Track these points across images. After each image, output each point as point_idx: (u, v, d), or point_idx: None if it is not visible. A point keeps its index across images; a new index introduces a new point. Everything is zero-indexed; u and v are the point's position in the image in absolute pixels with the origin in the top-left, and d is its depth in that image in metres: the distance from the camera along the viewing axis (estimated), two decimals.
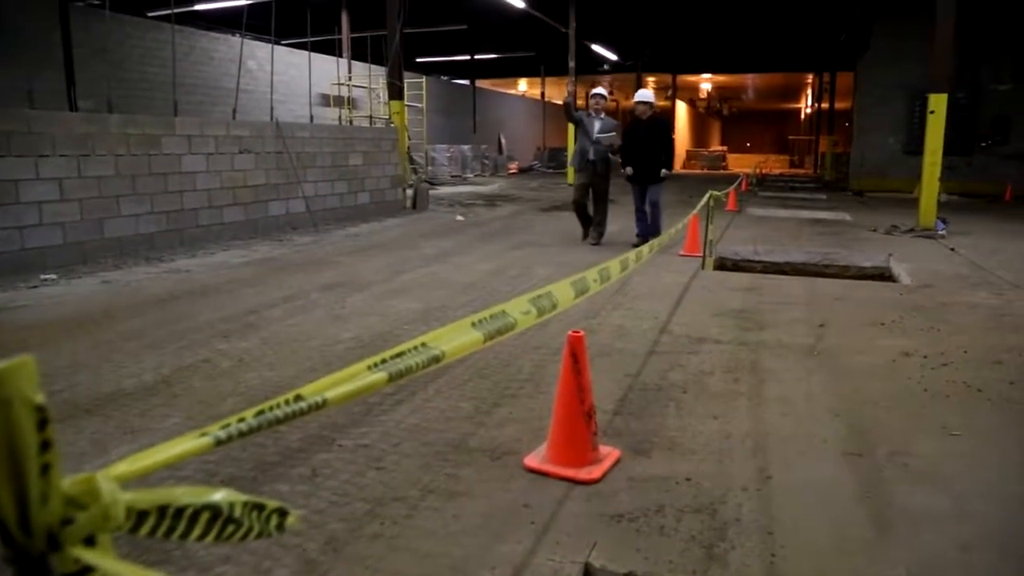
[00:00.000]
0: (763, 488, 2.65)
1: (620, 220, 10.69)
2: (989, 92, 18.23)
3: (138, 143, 7.86)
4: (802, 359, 4.28)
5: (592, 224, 9.13)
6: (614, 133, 8.78)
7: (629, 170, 8.80)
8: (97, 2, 17.00)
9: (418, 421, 3.25)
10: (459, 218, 12.13)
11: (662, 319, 5.21)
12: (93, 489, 0.71)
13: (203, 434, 1.00)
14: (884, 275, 7.84)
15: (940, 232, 10.17)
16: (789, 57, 30.68)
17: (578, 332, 2.68)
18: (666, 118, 9.02)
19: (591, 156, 8.74)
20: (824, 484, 2.70)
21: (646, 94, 8.97)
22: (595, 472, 2.70)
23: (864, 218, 12.68)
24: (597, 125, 8.79)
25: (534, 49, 27.53)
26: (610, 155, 8.84)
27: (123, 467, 0.83)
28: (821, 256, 8.51)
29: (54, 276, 6.54)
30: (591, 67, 29.66)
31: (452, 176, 23.90)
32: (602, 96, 9.01)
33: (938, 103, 10.35)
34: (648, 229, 8.75)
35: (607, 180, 9.05)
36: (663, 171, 8.71)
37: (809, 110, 42.40)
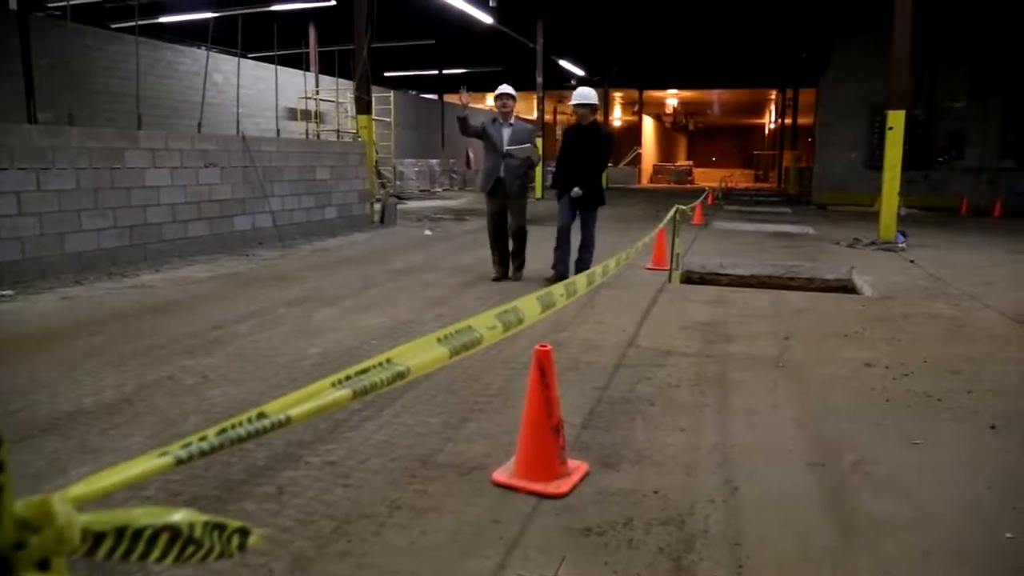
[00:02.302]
0: (730, 499, 2.67)
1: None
2: (945, 109, 18.74)
3: (100, 156, 7.73)
4: (768, 371, 4.33)
5: (511, 256, 7.43)
6: (529, 145, 7.11)
7: (577, 191, 6.98)
8: (58, 13, 16.74)
9: (386, 437, 3.23)
10: (427, 232, 12.11)
11: (629, 332, 5.24)
12: (47, 511, 0.69)
13: (163, 453, 0.99)
14: (847, 287, 7.99)
15: (900, 245, 10.40)
16: (753, 74, 31.30)
17: (546, 346, 2.69)
18: (610, 129, 7.10)
19: (502, 173, 7.06)
20: (790, 494, 2.73)
21: (586, 94, 6.97)
22: (563, 486, 2.70)
23: (827, 231, 12.92)
24: (507, 134, 7.06)
25: (502, 64, 27.67)
26: (529, 172, 7.35)
27: (80, 488, 0.81)
28: (786, 269, 8.65)
29: (11, 292, 6.38)
30: (559, 82, 29.89)
31: (420, 190, 23.87)
32: (510, 96, 7.12)
33: (896, 119, 10.61)
34: (565, 267, 7.11)
35: (524, 201, 7.41)
36: (576, 189, 6.96)
37: (773, 125, 43.19)
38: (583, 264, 7.06)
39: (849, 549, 2.36)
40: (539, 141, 7.30)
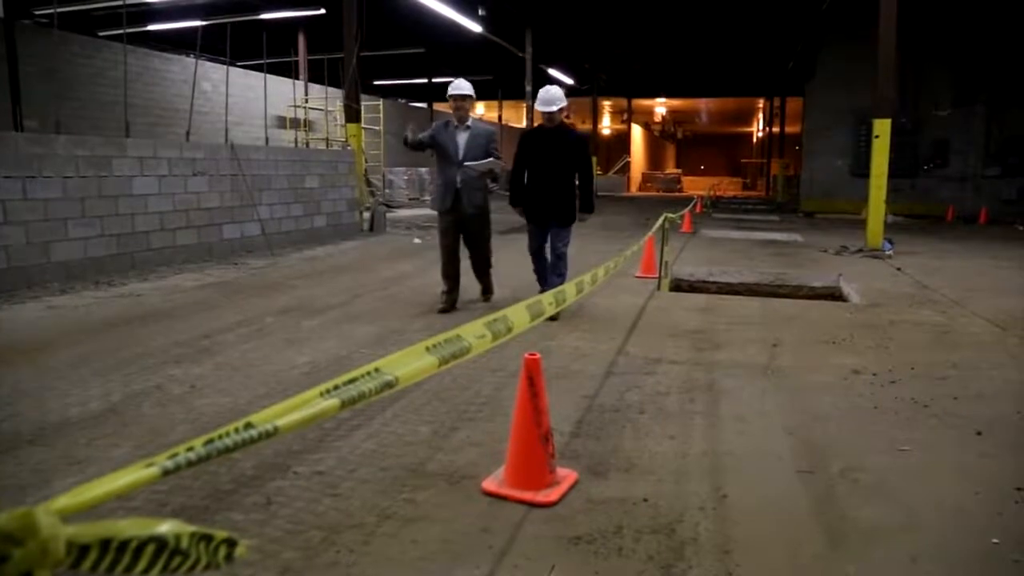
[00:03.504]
0: (719, 507, 2.68)
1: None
2: (930, 117, 18.93)
3: (87, 165, 7.69)
4: (756, 378, 4.35)
5: (478, 280, 6.47)
6: (491, 159, 6.03)
7: (520, 210, 6.17)
8: (45, 21, 16.67)
9: (375, 446, 3.22)
10: (416, 241, 12.10)
11: (619, 340, 5.25)
12: (31, 524, 0.69)
13: (150, 464, 0.98)
14: (835, 295, 8.03)
15: (887, 252, 10.47)
16: (740, 83, 31.51)
17: (534, 355, 2.69)
18: (581, 132, 6.27)
19: (458, 185, 5.98)
20: (779, 501, 2.74)
21: (551, 97, 5.84)
22: (553, 495, 2.70)
23: (815, 239, 12.99)
24: (463, 140, 5.99)
25: (491, 73, 27.76)
26: (490, 183, 6.31)
27: (65, 500, 0.81)
28: (774, 276, 8.69)
29: None
30: None
31: (410, 199, 23.85)
32: (466, 96, 6.02)
33: (882, 128, 10.70)
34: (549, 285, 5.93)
35: (485, 218, 6.26)
36: (580, 214, 6.07)
37: (761, 134, 43.49)
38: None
39: (838, 556, 2.37)
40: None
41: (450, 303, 6.21)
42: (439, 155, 6.12)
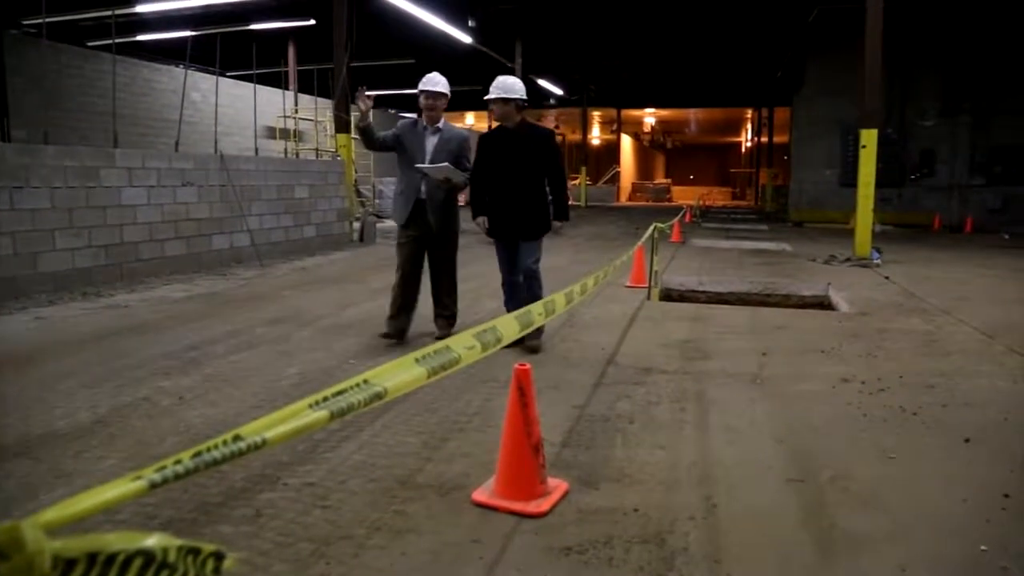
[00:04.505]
0: (710, 516, 2.68)
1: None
2: (916, 128, 19.11)
3: (75, 175, 7.66)
4: (746, 387, 4.36)
5: (439, 306, 5.57)
6: (446, 164, 5.12)
7: (481, 221, 5.31)
8: (33, 31, 16.63)
9: (365, 457, 3.20)
10: None
11: (609, 350, 5.26)
12: (17, 538, 0.68)
13: (138, 477, 0.98)
14: (824, 304, 8.08)
15: (875, 261, 10.54)
16: (729, 93, 31.73)
17: (525, 365, 2.69)
18: (548, 129, 5.57)
19: (422, 194, 5.23)
20: (769, 510, 2.74)
21: (507, 85, 5.05)
22: (543, 505, 2.70)
23: (804, 248, 13.07)
24: (432, 144, 5.26)
25: (481, 83, 27.81)
26: (455, 193, 5.45)
27: (52, 513, 0.80)
28: (763, 286, 8.73)
29: None
30: (537, 101, 30.12)
31: None
32: (440, 94, 5.27)
33: (869, 138, 10.79)
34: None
35: (454, 235, 5.47)
36: (554, 222, 5.24)
37: (749, 144, 43.75)
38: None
39: (828, 565, 2.37)
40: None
41: (397, 329, 5.33)
42: (403, 159, 5.32)
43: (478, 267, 8.41)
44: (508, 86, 5.04)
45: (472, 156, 5.37)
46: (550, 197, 5.27)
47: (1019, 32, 17.25)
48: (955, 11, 17.46)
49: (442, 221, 5.31)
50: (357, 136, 5.28)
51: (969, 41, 17.90)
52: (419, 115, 5.42)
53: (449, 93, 5.34)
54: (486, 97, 5.05)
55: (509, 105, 5.04)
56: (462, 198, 5.69)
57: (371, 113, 5.06)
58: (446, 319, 5.57)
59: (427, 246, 5.38)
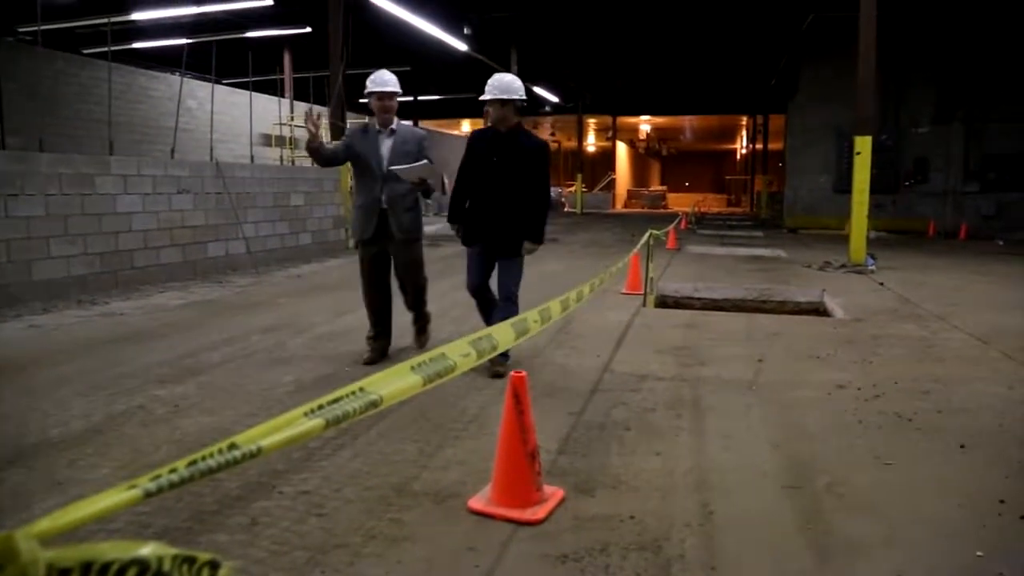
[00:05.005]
0: (706, 523, 2.68)
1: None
2: (910, 135, 19.21)
3: (70, 182, 7.65)
4: (742, 394, 4.36)
5: (413, 320, 5.37)
6: (425, 162, 4.79)
7: (458, 228, 4.93)
8: (29, 38, 16.63)
9: (360, 465, 3.20)
10: None
11: (605, 357, 5.26)
12: (10, 548, 0.68)
13: (132, 486, 0.98)
14: (819, 310, 8.09)
15: (870, 267, 10.57)
16: (724, 100, 31.86)
17: (520, 372, 2.69)
18: (542, 140, 5.00)
19: (383, 204, 4.87)
20: (765, 517, 2.74)
21: (506, 85, 4.62)
22: (540, 512, 2.69)
23: (798, 254, 13.10)
24: (387, 147, 4.90)
25: (477, 91, 27.88)
26: (422, 197, 5.08)
27: (45, 523, 0.80)
28: (758, 292, 8.74)
29: None
30: (533, 108, 30.18)
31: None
32: (393, 94, 4.91)
33: (863, 145, 10.83)
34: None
35: (418, 243, 5.14)
36: (526, 243, 4.73)
37: (744, 151, 43.91)
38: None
39: (824, 571, 2.37)
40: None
41: (379, 352, 5.12)
42: (358, 168, 4.98)
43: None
44: (506, 85, 4.61)
45: (432, 155, 4.95)
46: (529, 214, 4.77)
47: (1012, 41, 17.37)
48: (948, 20, 17.58)
49: (405, 232, 4.96)
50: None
51: (962, 49, 18.01)
52: (370, 117, 5.05)
53: (400, 91, 4.99)
54: (482, 97, 4.64)
55: (507, 107, 4.61)
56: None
57: (323, 134, 4.70)
58: (419, 328, 5.40)
59: (391, 258, 5.09)
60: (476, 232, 4.80)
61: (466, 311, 6.01)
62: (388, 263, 5.12)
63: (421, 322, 5.40)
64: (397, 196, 4.90)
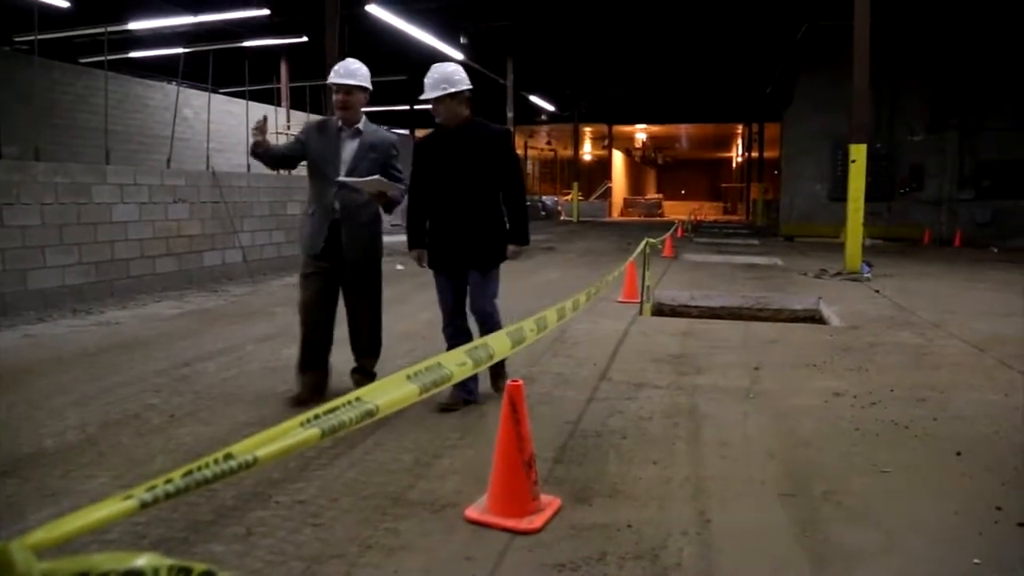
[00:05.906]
0: (703, 532, 2.67)
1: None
2: (905, 142, 19.30)
3: (66, 192, 7.64)
4: (738, 402, 4.36)
5: (361, 354, 4.40)
6: (377, 177, 4.04)
7: (418, 255, 4.25)
8: (25, 47, 16.64)
9: (357, 475, 3.19)
10: (399, 267, 12.08)
11: (601, 366, 5.26)
12: (5, 560, 0.68)
13: (128, 496, 0.97)
14: (815, 317, 8.10)
15: (866, 275, 10.59)
16: (720, 108, 32.02)
17: (517, 381, 2.69)
18: (505, 130, 4.35)
19: (336, 215, 4.16)
20: (762, 525, 2.74)
21: (448, 75, 3.98)
22: (536, 521, 2.69)
23: (794, 262, 13.13)
24: (349, 150, 4.21)
25: (473, 100, 27.99)
26: (382, 210, 4.34)
27: (40, 534, 0.80)
28: (755, 300, 8.76)
29: None
30: (529, 117, 30.31)
31: (392, 225, 23.88)
32: (356, 89, 4.18)
33: (858, 153, 10.88)
34: (472, 383, 4.07)
35: (375, 265, 4.37)
36: (511, 247, 4.16)
37: (740, 159, 44.04)
38: (496, 373, 4.31)
39: None
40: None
41: (310, 387, 4.22)
42: (312, 170, 4.25)
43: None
44: (449, 76, 3.96)
45: (401, 164, 4.27)
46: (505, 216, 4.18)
47: (1006, 48, 17.48)
48: (942, 28, 17.69)
49: (360, 251, 4.22)
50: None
51: (957, 57, 18.12)
52: (332, 113, 4.33)
53: (369, 86, 4.25)
54: (423, 96, 3.98)
55: (455, 100, 3.98)
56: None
57: (269, 139, 4.15)
58: (369, 368, 4.41)
59: (341, 279, 4.26)
60: (443, 253, 4.13)
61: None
62: (336, 287, 4.29)
63: (372, 361, 4.41)
64: (353, 207, 4.16)
